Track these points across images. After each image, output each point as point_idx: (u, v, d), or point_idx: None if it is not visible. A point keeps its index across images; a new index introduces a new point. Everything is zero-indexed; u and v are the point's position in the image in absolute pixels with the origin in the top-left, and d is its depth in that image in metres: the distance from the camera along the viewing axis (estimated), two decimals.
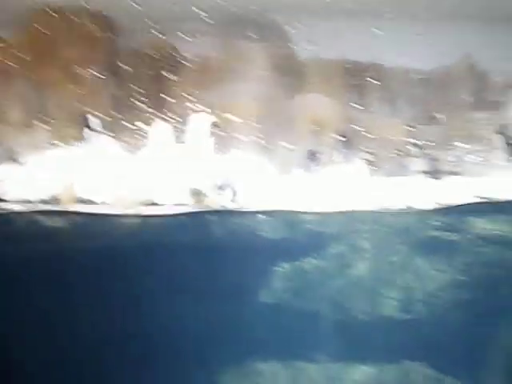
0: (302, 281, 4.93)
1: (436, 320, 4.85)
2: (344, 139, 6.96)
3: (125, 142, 5.77)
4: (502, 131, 7.37)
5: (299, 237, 5.32)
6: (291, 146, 7.02)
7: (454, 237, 5.15)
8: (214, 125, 6.14)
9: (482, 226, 5.30)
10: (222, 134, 6.20)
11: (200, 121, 6.16)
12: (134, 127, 6.18)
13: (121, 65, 7.61)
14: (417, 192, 6.07)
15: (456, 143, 7.64)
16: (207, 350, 5.25)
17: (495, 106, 8.28)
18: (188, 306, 4.95)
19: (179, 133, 5.97)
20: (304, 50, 8.12)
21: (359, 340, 4.91)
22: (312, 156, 6.49)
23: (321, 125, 7.50)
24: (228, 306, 5.05)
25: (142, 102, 6.82)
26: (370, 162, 6.68)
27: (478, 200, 5.33)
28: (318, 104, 7.96)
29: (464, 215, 5.27)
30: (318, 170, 6.18)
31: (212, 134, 6.04)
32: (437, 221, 5.07)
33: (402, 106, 8.82)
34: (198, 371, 5.37)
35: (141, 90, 6.95)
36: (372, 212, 4.54)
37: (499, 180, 6.56)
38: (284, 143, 7.13)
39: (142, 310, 4.56)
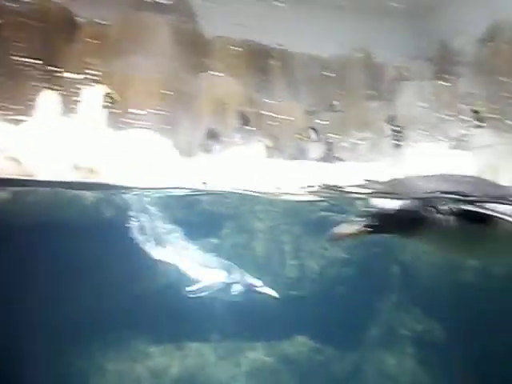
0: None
1: (323, 295, 5.12)
2: (245, 121, 6.99)
3: (6, 110, 5.21)
4: (390, 120, 7.88)
5: (196, 217, 5.27)
6: (192, 125, 6.90)
7: (340, 217, 5.44)
8: (110, 98, 5.78)
9: (367, 207, 5.64)
10: (119, 108, 5.87)
11: (94, 93, 5.75)
12: (19, 95, 5.63)
13: (5, 26, 6.85)
14: (310, 175, 6.29)
15: (351, 130, 8.07)
16: (97, 335, 5.05)
17: (386, 96, 8.89)
18: (75, 288, 4.68)
19: (70, 105, 5.54)
20: (209, 28, 7.97)
21: (251, 318, 5.03)
22: (213, 136, 6.42)
23: (223, 105, 7.45)
24: (119, 290, 4.87)
25: (29, 69, 6.22)
26: (269, 145, 6.78)
27: (366, 183, 5.67)
28: (222, 84, 7.89)
29: (351, 197, 5.59)
30: (218, 150, 6.14)
31: (107, 107, 5.68)
32: (326, 202, 5.32)
33: (303, 91, 9.10)
34: (87, 356, 5.14)
35: (27, 55, 6.31)
36: (267, 194, 4.63)
37: (386, 165, 7.03)
38: (184, 121, 6.97)
39: (18, 294, 4.22)
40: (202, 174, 5.11)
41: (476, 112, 7.30)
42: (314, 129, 7.92)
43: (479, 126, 7.17)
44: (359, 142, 7.85)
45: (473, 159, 6.74)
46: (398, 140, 7.55)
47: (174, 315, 4.87)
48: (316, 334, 5.22)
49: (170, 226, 4.85)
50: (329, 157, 7.40)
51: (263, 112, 7.63)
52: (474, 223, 2.63)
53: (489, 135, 7.03)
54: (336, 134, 7.84)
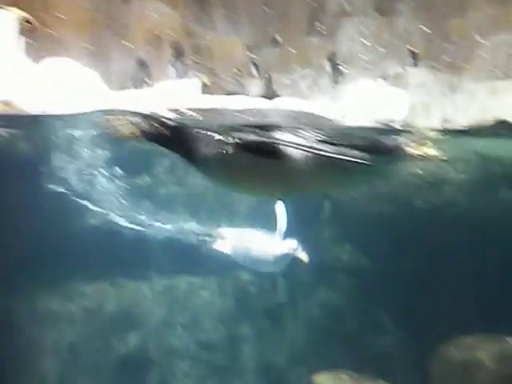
0: (129, 200, 4.79)
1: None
2: (180, 54, 6.64)
3: None
4: (330, 57, 7.78)
5: (125, 155, 5.09)
6: (122, 56, 6.47)
7: None
8: (28, 23, 5.27)
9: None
10: (39, 35, 5.39)
11: (8, 18, 5.21)
12: None
13: None
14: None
15: (291, 66, 7.91)
16: (28, 275, 4.93)
17: (328, 32, 8.71)
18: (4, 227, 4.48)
19: None
20: None
21: (187, 254, 5.08)
22: (145, 69, 6.08)
23: (157, 36, 7.01)
24: (47, 230, 4.72)
25: None
26: (206, 79, 6.54)
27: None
28: (156, 12, 7.37)
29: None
30: (151, 83, 5.85)
31: (25, 34, 5.20)
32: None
33: (244, 24, 8.71)
34: (19, 297, 5.05)
35: None
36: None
37: (325, 102, 7.05)
38: (114, 52, 6.53)
39: None
40: (132, 108, 4.87)
41: (412, 51, 7.35)
42: (254, 64, 7.70)
43: (415, 65, 7.26)
44: (299, 78, 7.76)
45: (407, 97, 6.90)
46: (337, 77, 7.52)
47: (107, 254, 4.81)
48: (250, 269, 5.37)
49: (97, 165, 4.66)
50: (268, 93, 7.27)
51: (200, 45, 7.28)
52: (268, 158, 2.58)
53: (423, 74, 7.16)
54: (277, 70, 7.68)
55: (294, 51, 8.95)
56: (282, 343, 5.68)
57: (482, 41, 6.77)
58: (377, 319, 5.69)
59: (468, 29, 6.98)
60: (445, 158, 2.99)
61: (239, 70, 7.98)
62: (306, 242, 5.46)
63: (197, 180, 5.37)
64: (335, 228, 5.45)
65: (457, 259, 5.05)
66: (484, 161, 5.57)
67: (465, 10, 7.19)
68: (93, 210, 4.78)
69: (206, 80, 6.60)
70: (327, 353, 5.74)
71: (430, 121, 6.78)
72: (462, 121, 6.45)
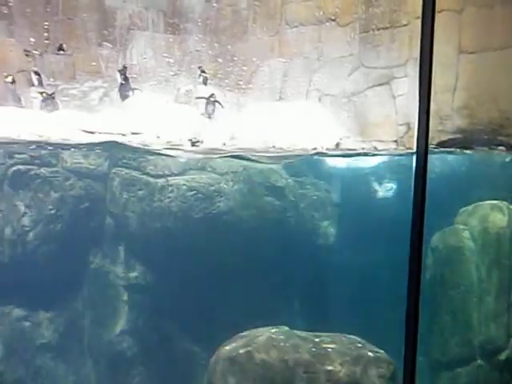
0: None
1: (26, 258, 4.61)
2: None
3: None
4: (121, 70, 7.56)
5: None
6: None
7: (43, 171, 4.96)
8: None
9: (75, 160, 5.30)
10: None
11: None
12: None
13: None
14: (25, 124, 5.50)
15: (80, 76, 7.41)
16: None
17: (119, 44, 8.43)
18: None
19: None
20: None
21: None
22: None
23: None
24: None
25: None
26: None
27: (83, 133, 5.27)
28: None
29: (59, 149, 5.13)
30: None
31: None
32: (24, 154, 4.72)
33: (22, 27, 7.81)
34: None
35: None
36: None
37: (115, 115, 6.75)
38: None
39: None
40: None
41: (202, 70, 7.64)
42: (36, 72, 6.98)
43: (204, 83, 7.55)
44: (88, 89, 7.34)
45: (197, 114, 7.11)
46: (127, 90, 7.31)
47: None
48: (24, 301, 4.72)
49: None
50: (50, 105, 6.64)
51: None
52: None
53: (213, 92, 7.49)
54: (63, 80, 7.13)
55: (82, 60, 8.37)
56: None
57: (261, 65, 7.42)
58: (168, 332, 5.60)
59: (249, 53, 7.57)
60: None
61: (11, 77, 7.01)
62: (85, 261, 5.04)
63: None
64: (118, 243, 5.21)
65: (237, 263, 5.39)
66: (247, 172, 6.22)
67: (246, 35, 7.79)
68: None
69: None
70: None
71: (220, 137, 7.06)
72: (246, 138, 6.87)
